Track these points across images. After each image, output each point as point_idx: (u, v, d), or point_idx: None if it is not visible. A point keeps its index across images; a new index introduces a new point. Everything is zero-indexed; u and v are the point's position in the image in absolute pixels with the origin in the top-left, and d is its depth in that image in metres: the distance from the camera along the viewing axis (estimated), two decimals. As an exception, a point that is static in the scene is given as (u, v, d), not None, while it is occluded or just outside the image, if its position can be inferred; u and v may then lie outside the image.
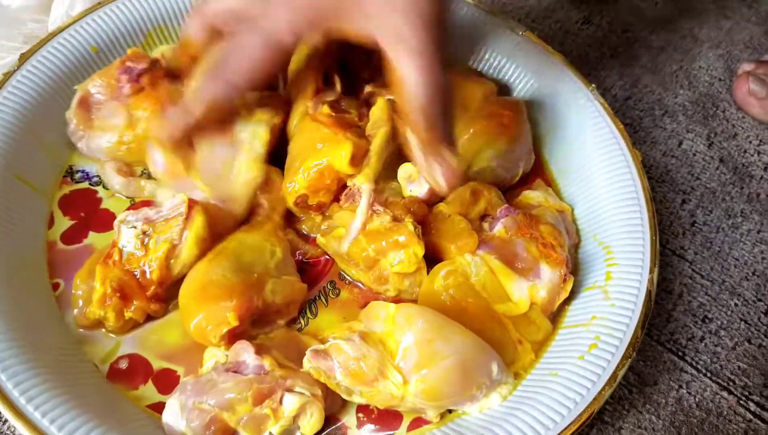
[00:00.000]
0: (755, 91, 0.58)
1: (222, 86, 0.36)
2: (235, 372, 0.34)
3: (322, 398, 0.34)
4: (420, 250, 0.37)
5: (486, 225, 0.41)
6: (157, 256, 0.37)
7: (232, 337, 0.35)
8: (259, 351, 0.34)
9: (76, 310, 0.37)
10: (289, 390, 0.33)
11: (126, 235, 0.38)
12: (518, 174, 0.46)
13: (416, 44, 0.32)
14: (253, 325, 0.37)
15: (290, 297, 0.38)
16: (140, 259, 0.37)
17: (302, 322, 0.40)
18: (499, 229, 0.41)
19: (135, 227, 0.38)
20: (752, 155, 0.56)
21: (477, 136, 0.43)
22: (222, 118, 0.39)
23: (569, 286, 0.39)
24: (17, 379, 0.32)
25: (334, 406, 0.36)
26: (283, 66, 0.38)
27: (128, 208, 0.41)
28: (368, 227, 0.39)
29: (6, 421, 0.36)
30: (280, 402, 0.33)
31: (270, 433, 0.33)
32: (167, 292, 0.38)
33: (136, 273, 0.37)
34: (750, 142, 0.57)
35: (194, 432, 0.33)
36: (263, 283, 0.37)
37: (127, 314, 0.37)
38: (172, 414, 0.33)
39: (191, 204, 0.38)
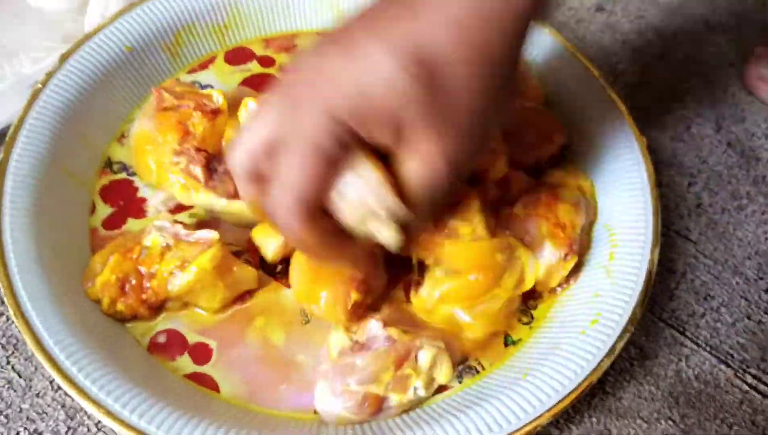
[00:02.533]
0: (765, 75, 0.59)
1: (282, 218, 0.32)
2: (367, 349, 0.38)
3: (446, 351, 0.39)
4: (476, 202, 0.39)
5: None
6: (166, 269, 0.39)
7: (356, 312, 0.40)
8: (385, 325, 0.39)
9: (89, 283, 0.40)
10: (420, 348, 0.38)
11: (152, 239, 0.40)
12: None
13: (436, 164, 0.31)
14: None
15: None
16: (153, 265, 0.40)
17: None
18: (518, 206, 0.43)
19: (164, 237, 0.40)
20: (759, 139, 0.57)
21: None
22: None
23: (569, 265, 0.41)
24: (68, 351, 0.36)
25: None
26: (337, 168, 0.31)
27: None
28: None
29: (58, 388, 0.40)
30: (416, 360, 0.38)
31: (415, 388, 0.38)
32: (160, 303, 0.40)
33: (143, 273, 0.40)
34: (758, 125, 0.58)
35: (351, 412, 0.37)
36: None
37: (119, 306, 0.40)
38: (325, 400, 0.38)
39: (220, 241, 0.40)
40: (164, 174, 0.44)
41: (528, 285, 0.41)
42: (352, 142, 0.30)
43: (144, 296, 0.40)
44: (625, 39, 0.64)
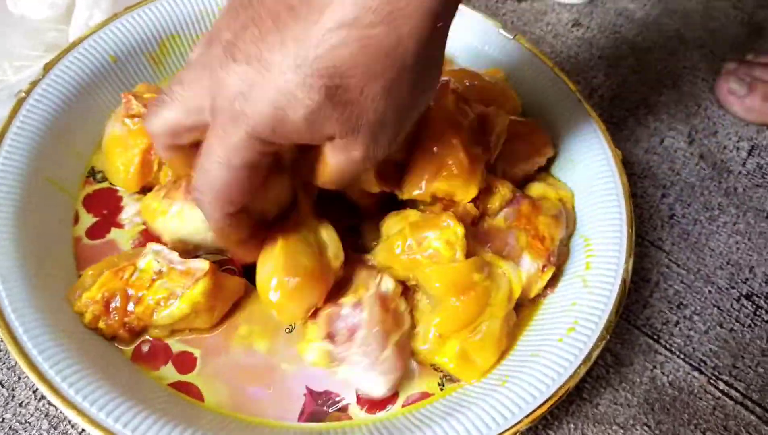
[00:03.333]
0: (735, 89, 0.61)
1: (213, 219, 0.34)
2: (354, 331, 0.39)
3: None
4: (461, 230, 0.40)
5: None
6: (153, 298, 0.39)
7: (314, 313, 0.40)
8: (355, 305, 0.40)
9: (76, 294, 0.40)
10: (380, 282, 0.40)
11: (147, 262, 0.40)
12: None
13: (352, 157, 0.32)
14: None
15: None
16: (141, 289, 0.40)
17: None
18: (499, 218, 0.44)
19: (158, 262, 0.40)
20: (731, 151, 0.59)
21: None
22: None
23: (547, 276, 0.42)
24: (52, 360, 0.36)
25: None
26: (265, 172, 0.33)
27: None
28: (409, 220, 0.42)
29: (42, 398, 0.40)
30: (379, 286, 0.40)
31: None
32: (140, 329, 0.40)
33: (131, 296, 0.40)
34: (729, 138, 0.60)
35: (392, 370, 0.39)
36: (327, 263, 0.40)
37: (100, 324, 0.39)
38: (372, 385, 0.40)
39: (210, 270, 0.40)
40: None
41: (516, 293, 0.42)
42: (275, 148, 0.31)
43: (126, 319, 0.39)
44: (600, 54, 0.66)
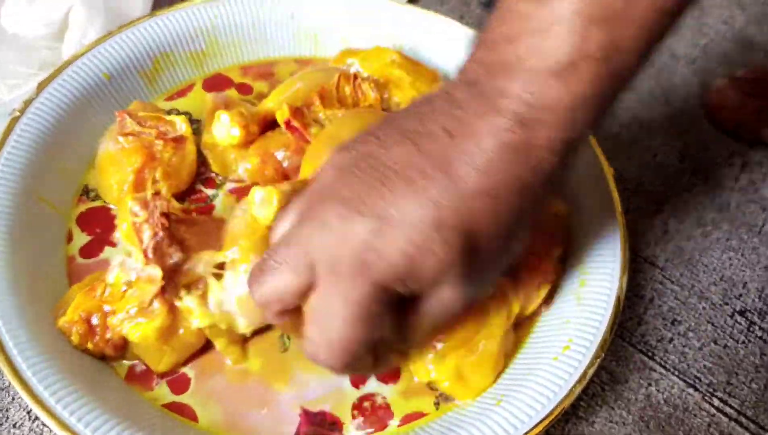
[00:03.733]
0: (727, 105, 0.61)
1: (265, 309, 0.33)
2: None
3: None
4: None
5: None
6: (125, 307, 0.38)
7: None
8: None
9: (60, 310, 0.40)
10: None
11: (115, 275, 0.39)
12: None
13: (452, 307, 0.32)
14: None
15: None
16: (116, 303, 0.39)
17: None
18: None
19: (126, 272, 0.39)
20: (724, 167, 0.59)
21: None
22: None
23: (543, 292, 0.42)
24: (46, 382, 0.36)
25: None
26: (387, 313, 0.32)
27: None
28: None
29: (36, 419, 0.39)
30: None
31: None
32: (123, 343, 0.40)
33: (107, 312, 0.39)
34: (722, 154, 0.60)
35: None
36: None
37: (89, 345, 0.39)
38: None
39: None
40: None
41: (515, 310, 0.41)
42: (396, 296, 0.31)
43: (108, 335, 0.39)
44: (594, 69, 0.66)
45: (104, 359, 0.40)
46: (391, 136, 0.32)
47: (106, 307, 0.39)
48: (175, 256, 0.39)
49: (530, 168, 0.30)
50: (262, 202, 0.38)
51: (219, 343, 0.40)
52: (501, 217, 0.31)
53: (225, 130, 0.46)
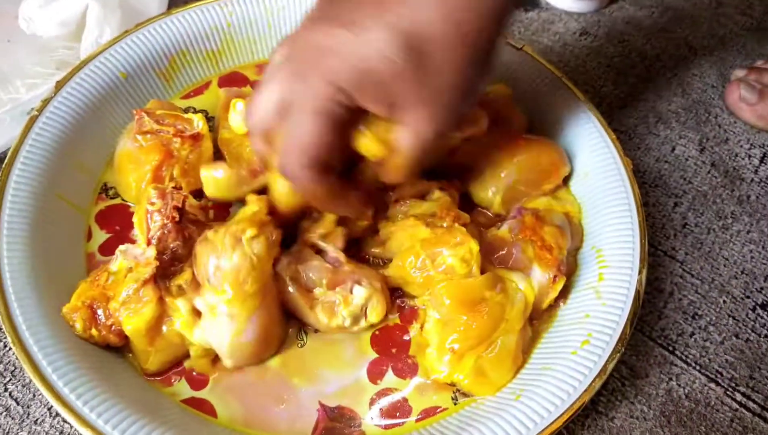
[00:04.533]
0: (746, 97, 0.60)
1: (294, 174, 0.36)
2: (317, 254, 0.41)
3: (383, 290, 0.41)
4: (475, 246, 0.40)
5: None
6: (122, 291, 0.38)
7: None
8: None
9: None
10: (358, 282, 0.40)
11: (118, 264, 0.40)
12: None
13: (426, 136, 0.35)
14: None
15: None
16: (117, 288, 0.39)
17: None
18: (504, 229, 0.44)
19: (128, 260, 0.39)
20: (743, 159, 0.59)
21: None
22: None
23: (558, 286, 0.42)
24: (66, 378, 0.36)
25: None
26: (343, 129, 0.35)
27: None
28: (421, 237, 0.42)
29: (57, 415, 0.40)
30: (351, 291, 0.40)
31: (342, 315, 0.40)
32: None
33: (110, 298, 0.39)
34: (741, 146, 0.60)
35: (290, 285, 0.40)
36: None
37: (93, 331, 0.39)
38: (281, 267, 0.40)
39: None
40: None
41: (530, 302, 0.41)
42: (352, 107, 0.34)
43: (110, 322, 0.39)
44: (609, 63, 0.65)
45: (110, 348, 0.40)
46: None
47: (110, 295, 0.39)
48: (175, 248, 0.39)
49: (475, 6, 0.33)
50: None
51: (193, 350, 0.40)
52: (453, 26, 0.33)
53: (241, 117, 0.46)
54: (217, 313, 0.38)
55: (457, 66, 0.34)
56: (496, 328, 0.40)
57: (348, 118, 0.35)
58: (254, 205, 0.40)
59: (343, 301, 0.40)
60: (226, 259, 0.37)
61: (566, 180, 0.50)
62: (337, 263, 0.41)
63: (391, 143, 0.36)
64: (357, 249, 0.45)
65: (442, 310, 0.40)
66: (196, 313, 0.39)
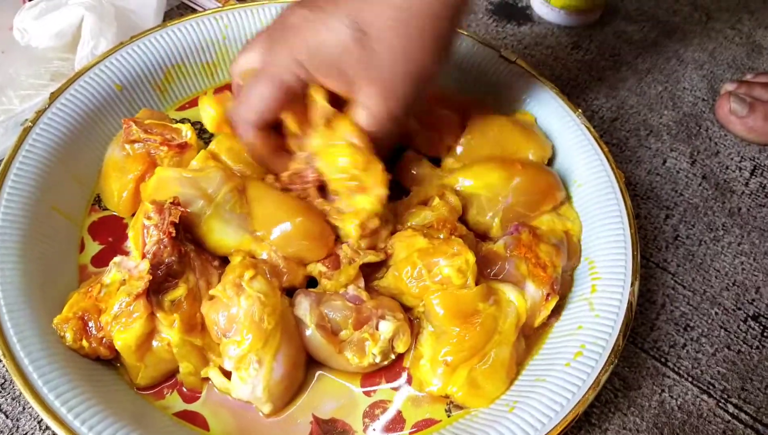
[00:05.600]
0: (736, 110, 0.61)
1: (241, 125, 0.42)
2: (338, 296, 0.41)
3: (406, 319, 0.41)
4: (472, 257, 0.40)
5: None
6: (113, 305, 0.38)
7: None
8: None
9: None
10: (382, 317, 0.40)
11: (111, 276, 0.40)
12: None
13: (378, 113, 0.40)
14: None
15: None
16: (109, 301, 0.39)
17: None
18: (499, 244, 0.44)
19: (121, 273, 0.39)
20: (734, 171, 0.59)
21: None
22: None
23: (551, 305, 0.42)
24: (57, 391, 0.36)
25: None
26: (293, 104, 0.41)
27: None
28: (417, 247, 0.42)
29: (46, 428, 0.39)
30: (376, 328, 0.40)
31: (373, 353, 0.39)
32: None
33: (102, 311, 0.39)
34: (732, 158, 0.60)
35: (319, 333, 0.39)
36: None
37: (84, 343, 0.39)
38: (303, 311, 0.40)
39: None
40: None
41: (522, 316, 0.41)
42: (308, 81, 0.40)
43: (101, 335, 0.39)
44: (601, 76, 0.66)
45: (102, 360, 0.40)
46: None
47: (102, 307, 0.39)
48: (170, 263, 0.39)
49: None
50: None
51: (183, 367, 0.39)
52: (388, 9, 0.38)
53: (206, 113, 0.47)
54: (245, 362, 0.38)
55: (405, 51, 0.38)
56: (489, 340, 0.40)
57: (302, 91, 0.40)
58: (238, 256, 0.41)
59: (372, 339, 0.40)
60: (236, 307, 0.38)
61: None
62: (358, 301, 0.41)
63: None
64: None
65: (435, 321, 0.41)
66: (226, 375, 0.39)
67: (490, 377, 0.40)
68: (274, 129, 0.42)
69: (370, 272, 0.44)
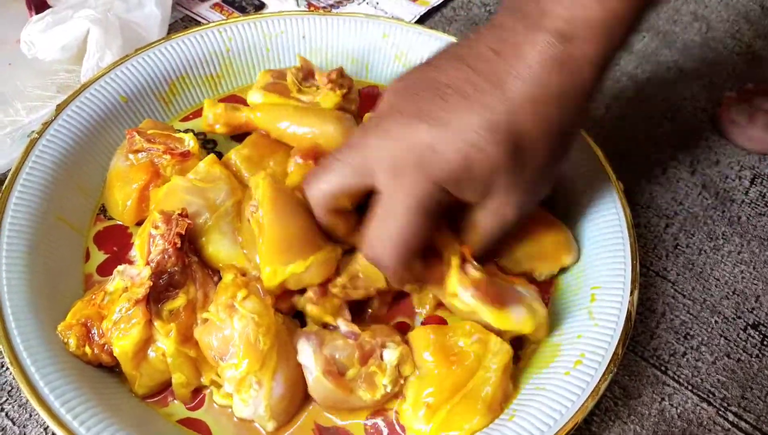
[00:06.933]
0: (736, 119, 0.62)
1: (392, 266, 0.38)
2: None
3: (402, 340, 0.41)
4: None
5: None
6: (114, 311, 0.39)
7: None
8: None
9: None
10: (383, 346, 0.40)
11: (115, 284, 0.40)
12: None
13: (509, 218, 0.38)
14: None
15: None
16: (111, 307, 0.39)
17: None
18: (473, 272, 0.41)
19: (124, 281, 0.40)
20: (734, 180, 0.60)
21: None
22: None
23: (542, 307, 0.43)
24: (63, 399, 0.36)
25: None
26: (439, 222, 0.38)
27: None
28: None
29: (51, 436, 0.40)
30: (381, 358, 0.39)
31: (383, 384, 0.39)
32: None
33: (105, 318, 0.39)
34: (731, 168, 0.61)
35: (327, 380, 0.38)
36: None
37: (87, 349, 0.39)
38: (307, 358, 0.39)
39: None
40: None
41: (509, 359, 0.41)
42: (449, 202, 0.36)
43: (103, 341, 0.39)
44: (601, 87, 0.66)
45: (107, 368, 0.40)
46: (444, 61, 0.36)
47: (104, 314, 0.39)
48: (173, 272, 0.40)
49: (570, 78, 0.34)
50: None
51: (176, 378, 0.39)
52: (544, 121, 0.35)
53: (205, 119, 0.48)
54: (245, 385, 0.38)
55: (548, 155, 0.36)
56: (471, 377, 0.40)
57: (442, 210, 0.37)
58: (229, 274, 0.40)
59: (380, 370, 0.39)
60: (229, 329, 0.38)
61: (556, 200, 0.50)
62: (353, 336, 0.40)
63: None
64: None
65: (416, 360, 0.40)
66: (230, 397, 0.39)
67: (469, 409, 0.39)
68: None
69: (361, 304, 0.44)
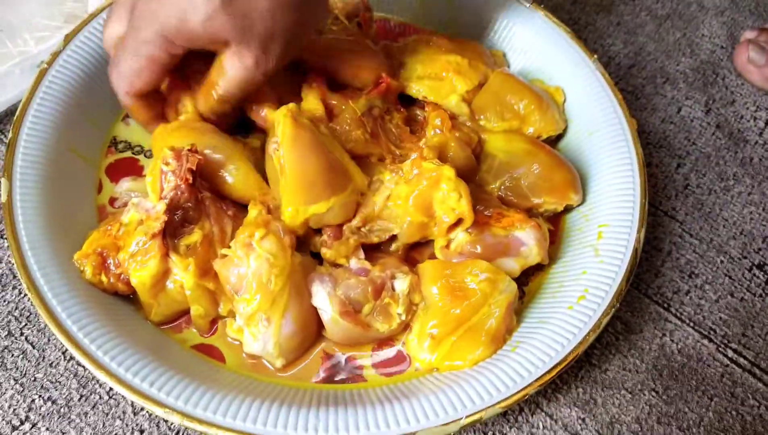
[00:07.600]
0: (754, 58, 0.60)
1: (119, 93, 0.42)
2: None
3: (410, 269, 0.42)
4: (464, 189, 0.41)
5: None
6: (131, 243, 0.40)
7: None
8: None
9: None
10: (393, 277, 0.41)
11: (130, 216, 0.41)
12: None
13: (248, 66, 0.39)
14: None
15: None
16: (127, 239, 0.40)
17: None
18: (461, 238, 0.43)
19: (139, 213, 0.41)
20: (748, 121, 0.59)
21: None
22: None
23: (546, 232, 0.44)
24: (80, 324, 0.38)
25: None
26: (167, 69, 0.41)
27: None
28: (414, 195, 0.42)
29: (71, 358, 0.42)
30: (393, 288, 0.41)
31: (398, 314, 0.41)
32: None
33: (121, 248, 0.40)
34: (747, 108, 0.60)
35: (342, 320, 0.40)
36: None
37: (103, 277, 0.40)
38: (322, 301, 0.40)
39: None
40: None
41: (515, 296, 0.42)
42: (177, 51, 0.39)
43: (119, 271, 0.40)
44: (619, 21, 0.65)
45: (121, 295, 0.42)
46: None
47: (120, 245, 0.40)
48: (186, 208, 0.40)
49: None
50: None
51: (194, 310, 0.41)
52: None
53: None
54: (254, 320, 0.39)
55: (270, 10, 0.37)
56: (476, 313, 0.41)
57: (174, 59, 0.40)
58: (255, 209, 0.41)
59: (393, 300, 0.41)
60: (245, 267, 0.38)
61: (568, 137, 0.50)
62: (365, 273, 0.41)
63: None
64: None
65: (424, 291, 0.41)
66: (241, 331, 0.40)
67: (473, 341, 0.40)
68: (157, 93, 0.44)
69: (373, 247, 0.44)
